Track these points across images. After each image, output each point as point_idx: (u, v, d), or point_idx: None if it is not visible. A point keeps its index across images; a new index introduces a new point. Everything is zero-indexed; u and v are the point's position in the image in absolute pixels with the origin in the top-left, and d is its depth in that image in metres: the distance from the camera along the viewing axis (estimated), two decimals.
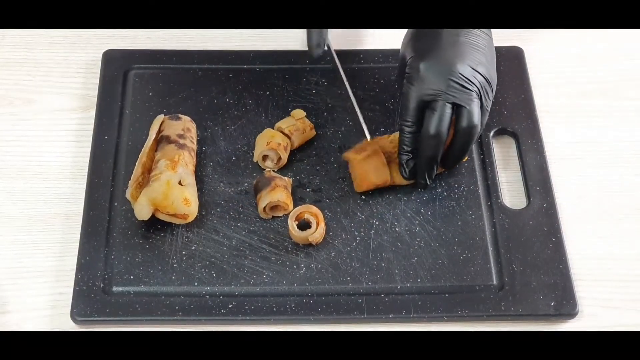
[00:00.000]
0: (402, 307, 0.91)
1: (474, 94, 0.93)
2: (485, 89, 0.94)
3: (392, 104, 1.05)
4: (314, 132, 1.03)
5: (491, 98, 0.95)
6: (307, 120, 1.02)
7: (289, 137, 1.01)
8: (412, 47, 0.96)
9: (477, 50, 0.94)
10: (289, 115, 1.03)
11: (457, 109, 0.93)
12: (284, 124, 1.02)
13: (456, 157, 0.97)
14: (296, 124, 1.02)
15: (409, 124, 0.95)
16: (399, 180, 0.98)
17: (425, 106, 0.93)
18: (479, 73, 0.93)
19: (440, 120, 0.92)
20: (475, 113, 0.93)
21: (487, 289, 0.93)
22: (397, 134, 0.98)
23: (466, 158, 1.00)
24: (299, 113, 1.02)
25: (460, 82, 0.92)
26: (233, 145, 1.02)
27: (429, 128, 0.93)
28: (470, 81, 0.92)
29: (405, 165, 0.97)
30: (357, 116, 1.02)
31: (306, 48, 1.03)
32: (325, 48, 1.04)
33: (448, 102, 0.92)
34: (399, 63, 0.98)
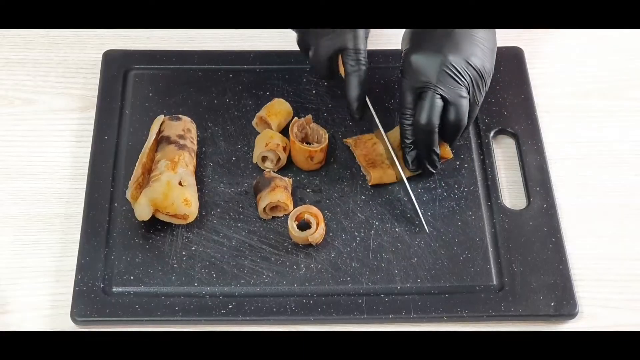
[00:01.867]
0: (402, 307, 0.91)
1: (464, 89, 0.93)
2: (477, 82, 0.94)
3: (392, 104, 1.05)
4: None
5: (483, 92, 0.95)
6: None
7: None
8: (408, 40, 0.97)
9: (473, 41, 0.94)
10: None
11: (445, 101, 0.93)
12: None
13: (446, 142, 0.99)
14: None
15: (407, 115, 0.95)
16: (408, 172, 0.98)
17: (417, 96, 0.94)
18: (472, 66, 0.93)
19: (430, 111, 0.93)
20: (462, 107, 0.94)
21: (487, 290, 0.93)
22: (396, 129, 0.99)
23: (451, 155, 1.00)
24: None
25: (451, 75, 0.92)
26: (233, 146, 1.02)
27: (419, 118, 0.94)
28: (461, 74, 0.93)
29: (408, 157, 0.97)
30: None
31: None
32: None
33: (437, 94, 0.93)
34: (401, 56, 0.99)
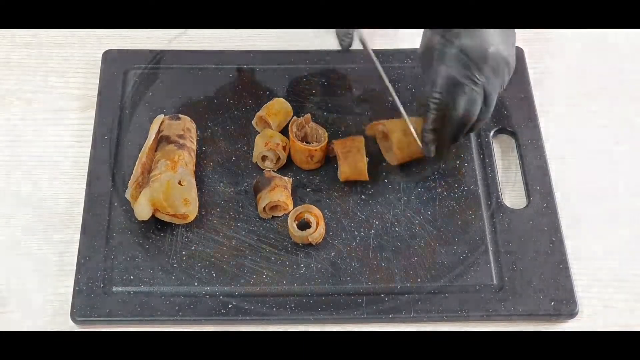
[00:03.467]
0: (402, 307, 0.91)
1: (499, 80, 0.93)
2: (509, 74, 0.95)
3: (392, 104, 1.05)
4: None
5: (505, 87, 0.96)
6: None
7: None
8: (442, 29, 0.95)
9: (506, 39, 0.94)
10: None
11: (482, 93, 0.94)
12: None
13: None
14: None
15: (437, 100, 0.94)
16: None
17: (455, 85, 0.93)
18: (506, 61, 0.94)
19: (471, 102, 0.93)
20: (494, 101, 0.94)
21: (487, 289, 0.93)
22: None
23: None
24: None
25: (492, 67, 0.92)
26: (233, 146, 1.02)
27: (458, 108, 0.93)
28: (499, 68, 0.93)
29: (429, 145, 0.97)
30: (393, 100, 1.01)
31: (308, 48, 1.02)
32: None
33: (478, 85, 0.92)
34: (422, 43, 0.97)
